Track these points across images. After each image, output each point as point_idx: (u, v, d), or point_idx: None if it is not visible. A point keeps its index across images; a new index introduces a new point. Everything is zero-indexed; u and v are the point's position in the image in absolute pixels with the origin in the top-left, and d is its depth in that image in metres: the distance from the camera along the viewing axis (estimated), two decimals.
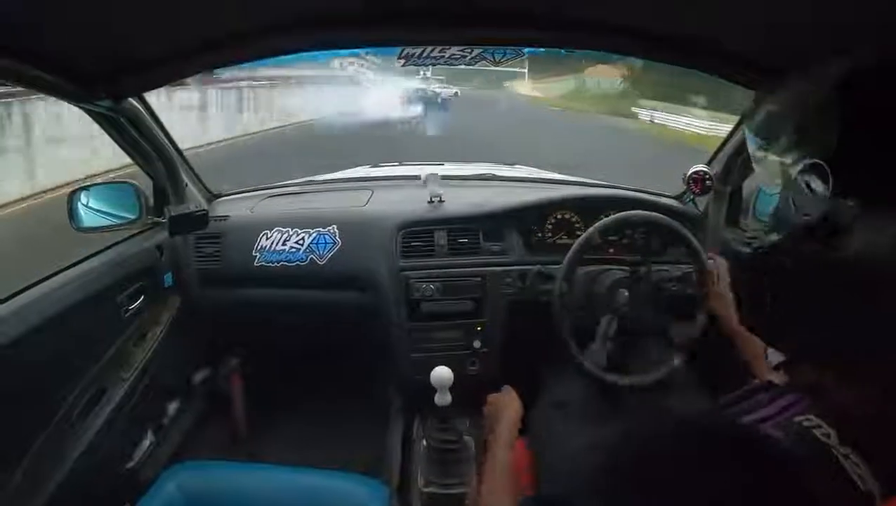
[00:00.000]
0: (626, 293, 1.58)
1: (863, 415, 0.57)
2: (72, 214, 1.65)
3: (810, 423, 0.58)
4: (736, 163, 1.78)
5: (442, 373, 1.40)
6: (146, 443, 1.81)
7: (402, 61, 1.46)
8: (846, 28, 0.88)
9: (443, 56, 1.46)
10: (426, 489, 1.59)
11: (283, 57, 1.41)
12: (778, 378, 0.71)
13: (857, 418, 0.57)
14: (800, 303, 0.61)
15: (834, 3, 0.87)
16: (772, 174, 0.67)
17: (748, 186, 1.86)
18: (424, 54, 1.45)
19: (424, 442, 1.66)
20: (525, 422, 1.54)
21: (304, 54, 1.38)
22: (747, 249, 0.67)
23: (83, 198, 1.69)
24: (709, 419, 0.66)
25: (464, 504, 1.60)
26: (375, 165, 2.68)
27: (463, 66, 1.51)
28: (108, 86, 1.32)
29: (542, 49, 1.46)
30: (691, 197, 1.93)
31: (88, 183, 1.72)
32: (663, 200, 1.99)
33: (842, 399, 0.60)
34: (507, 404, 1.27)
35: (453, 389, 1.73)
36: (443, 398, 1.45)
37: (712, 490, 0.54)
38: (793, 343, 0.65)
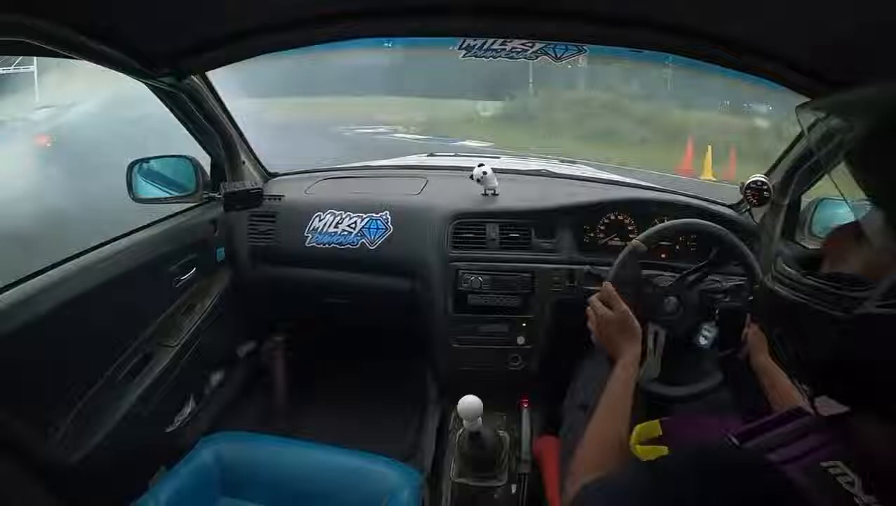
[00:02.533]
0: (675, 301, 1.54)
1: (890, 463, 0.55)
2: (130, 184, 1.70)
3: (836, 471, 0.55)
4: (795, 174, 1.72)
5: (471, 404, 1.37)
6: (187, 410, 1.86)
7: (463, 52, 1.47)
8: None
9: (504, 49, 1.46)
10: (458, 480, 1.59)
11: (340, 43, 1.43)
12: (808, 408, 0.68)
13: (885, 467, 0.55)
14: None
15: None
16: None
17: (806, 198, 1.80)
18: (485, 46, 1.46)
19: (460, 433, 1.66)
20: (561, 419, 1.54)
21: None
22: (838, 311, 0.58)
23: (142, 170, 1.74)
24: (735, 454, 0.64)
25: (493, 498, 1.60)
26: (432, 154, 2.69)
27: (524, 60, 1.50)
28: (171, 63, 1.37)
29: (602, 47, 1.44)
30: (748, 207, 1.87)
31: (147, 156, 1.77)
32: (719, 208, 1.94)
33: (872, 442, 0.57)
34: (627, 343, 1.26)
35: (493, 383, 1.73)
36: (473, 425, 1.42)
37: None
38: (840, 390, 0.62)
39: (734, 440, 0.67)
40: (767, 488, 0.56)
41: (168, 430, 1.75)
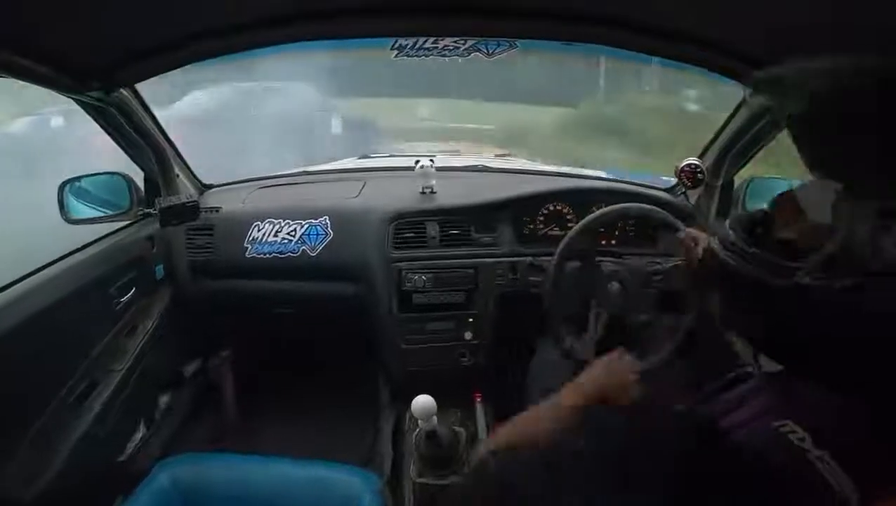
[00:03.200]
0: (618, 286, 1.58)
1: (836, 417, 0.58)
2: (62, 205, 1.63)
3: (786, 429, 0.58)
4: (727, 156, 1.78)
5: (425, 404, 1.37)
6: (138, 435, 1.81)
7: (395, 52, 1.47)
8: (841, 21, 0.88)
9: (435, 47, 1.46)
10: (419, 480, 1.59)
11: (271, 49, 1.41)
12: (755, 369, 0.71)
13: (831, 421, 0.58)
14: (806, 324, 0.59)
15: None
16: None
17: (738, 179, 1.86)
18: (417, 45, 1.46)
19: (416, 433, 1.67)
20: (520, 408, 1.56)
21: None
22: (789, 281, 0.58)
23: (73, 189, 1.67)
24: (687, 421, 0.66)
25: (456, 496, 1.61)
26: (366, 156, 2.67)
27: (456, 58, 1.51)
28: (99, 77, 1.32)
29: (535, 41, 1.46)
30: (683, 190, 1.93)
31: (79, 174, 1.70)
32: (655, 192, 1.99)
33: (812, 401, 0.60)
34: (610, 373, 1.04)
35: (445, 381, 1.73)
36: (428, 424, 1.43)
37: (683, 492, 0.55)
38: (783, 355, 0.65)
39: (681, 408, 0.69)
40: (723, 463, 0.57)
41: (121, 457, 1.70)
